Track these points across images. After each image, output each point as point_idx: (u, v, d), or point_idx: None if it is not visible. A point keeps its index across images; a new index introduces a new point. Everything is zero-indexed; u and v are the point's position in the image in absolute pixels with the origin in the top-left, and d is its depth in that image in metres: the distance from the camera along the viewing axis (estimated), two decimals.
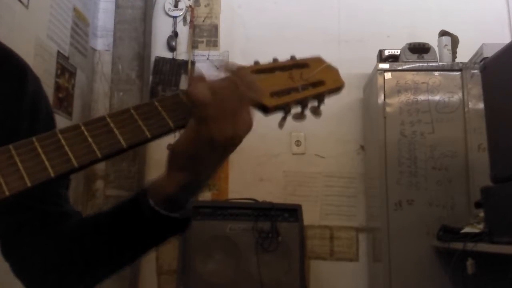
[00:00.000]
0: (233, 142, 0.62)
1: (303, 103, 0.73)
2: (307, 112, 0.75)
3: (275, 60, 0.75)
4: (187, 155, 0.63)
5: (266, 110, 0.69)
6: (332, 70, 0.78)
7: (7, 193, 0.52)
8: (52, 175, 0.55)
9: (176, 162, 0.65)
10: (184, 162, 0.64)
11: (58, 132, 0.57)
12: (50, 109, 0.84)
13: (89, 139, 0.58)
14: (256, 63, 0.73)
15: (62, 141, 0.57)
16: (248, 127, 0.63)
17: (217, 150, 0.63)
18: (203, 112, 0.60)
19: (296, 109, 0.73)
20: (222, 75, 0.65)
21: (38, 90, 0.82)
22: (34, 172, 0.54)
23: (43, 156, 0.55)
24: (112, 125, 0.59)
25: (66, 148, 0.56)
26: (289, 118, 0.74)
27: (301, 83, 0.73)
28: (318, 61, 0.78)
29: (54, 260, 0.74)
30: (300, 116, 0.74)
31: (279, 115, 0.73)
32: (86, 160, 0.57)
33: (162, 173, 0.67)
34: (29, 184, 0.53)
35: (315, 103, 0.75)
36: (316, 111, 0.75)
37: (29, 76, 0.80)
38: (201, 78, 0.63)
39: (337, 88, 0.77)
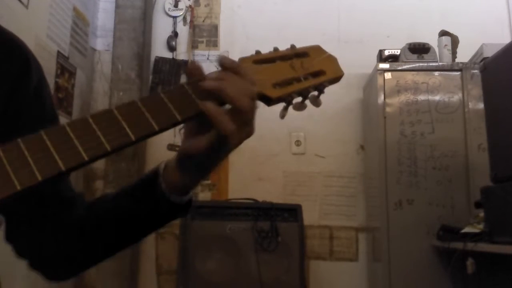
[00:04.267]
0: (240, 143, 0.64)
1: (304, 93, 0.73)
2: (307, 102, 0.75)
3: (275, 49, 0.75)
4: (199, 159, 0.65)
5: (269, 101, 0.69)
6: (331, 59, 0.78)
7: (18, 187, 0.52)
8: (63, 168, 0.54)
9: (188, 165, 0.67)
10: (196, 167, 0.67)
11: (66, 125, 0.57)
12: (51, 97, 0.85)
13: (98, 132, 0.57)
14: (258, 53, 0.73)
15: (71, 134, 0.56)
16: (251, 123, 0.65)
17: (226, 151, 0.65)
18: (228, 140, 0.61)
19: (297, 99, 0.73)
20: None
21: (41, 78, 0.82)
22: (44, 166, 0.54)
23: (52, 150, 0.55)
24: (119, 117, 0.59)
25: (75, 142, 0.56)
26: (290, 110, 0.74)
27: (303, 73, 0.73)
28: (317, 50, 0.79)
29: (72, 245, 0.76)
30: (300, 106, 0.74)
31: (278, 110, 0.73)
32: (96, 153, 0.56)
33: (172, 164, 0.69)
34: (40, 178, 0.53)
35: (315, 93, 0.75)
36: (316, 101, 0.75)
37: (32, 64, 0.81)
38: (201, 73, 0.64)
39: (337, 77, 0.77)
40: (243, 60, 0.71)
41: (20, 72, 0.78)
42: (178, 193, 0.70)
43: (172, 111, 0.61)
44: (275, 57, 0.73)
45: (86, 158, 0.55)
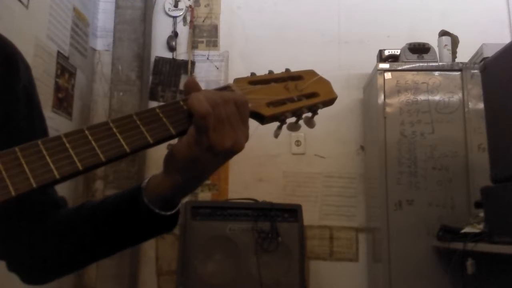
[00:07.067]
0: (232, 151, 0.64)
1: (297, 114, 0.75)
2: (301, 123, 0.76)
3: (270, 72, 0.77)
4: (186, 159, 0.64)
5: (262, 119, 0.71)
6: (325, 83, 0.80)
7: (13, 193, 0.53)
8: (58, 177, 0.56)
9: (174, 164, 0.66)
10: (182, 165, 0.65)
11: (62, 135, 0.58)
12: (39, 99, 0.85)
13: (93, 143, 0.59)
14: (253, 74, 0.75)
15: (67, 144, 0.58)
16: (246, 137, 0.65)
17: (217, 157, 0.65)
18: (203, 123, 0.61)
19: (290, 120, 0.75)
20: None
21: (30, 79, 0.82)
22: (39, 174, 0.55)
23: (48, 158, 0.56)
24: (115, 130, 0.61)
25: (71, 151, 0.57)
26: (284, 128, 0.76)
27: (296, 94, 0.75)
28: (311, 73, 0.80)
29: (47, 250, 0.76)
30: (294, 127, 0.76)
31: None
32: (91, 163, 0.58)
33: (159, 173, 0.69)
34: (34, 185, 0.54)
35: (309, 114, 0.76)
36: (309, 122, 0.77)
37: (20, 64, 0.81)
38: (199, 88, 0.65)
39: (330, 100, 0.79)
40: (238, 80, 0.73)
41: (7, 71, 0.77)
42: (161, 207, 0.69)
43: (167, 125, 0.63)
44: (270, 79, 0.75)
45: (80, 168, 0.57)
